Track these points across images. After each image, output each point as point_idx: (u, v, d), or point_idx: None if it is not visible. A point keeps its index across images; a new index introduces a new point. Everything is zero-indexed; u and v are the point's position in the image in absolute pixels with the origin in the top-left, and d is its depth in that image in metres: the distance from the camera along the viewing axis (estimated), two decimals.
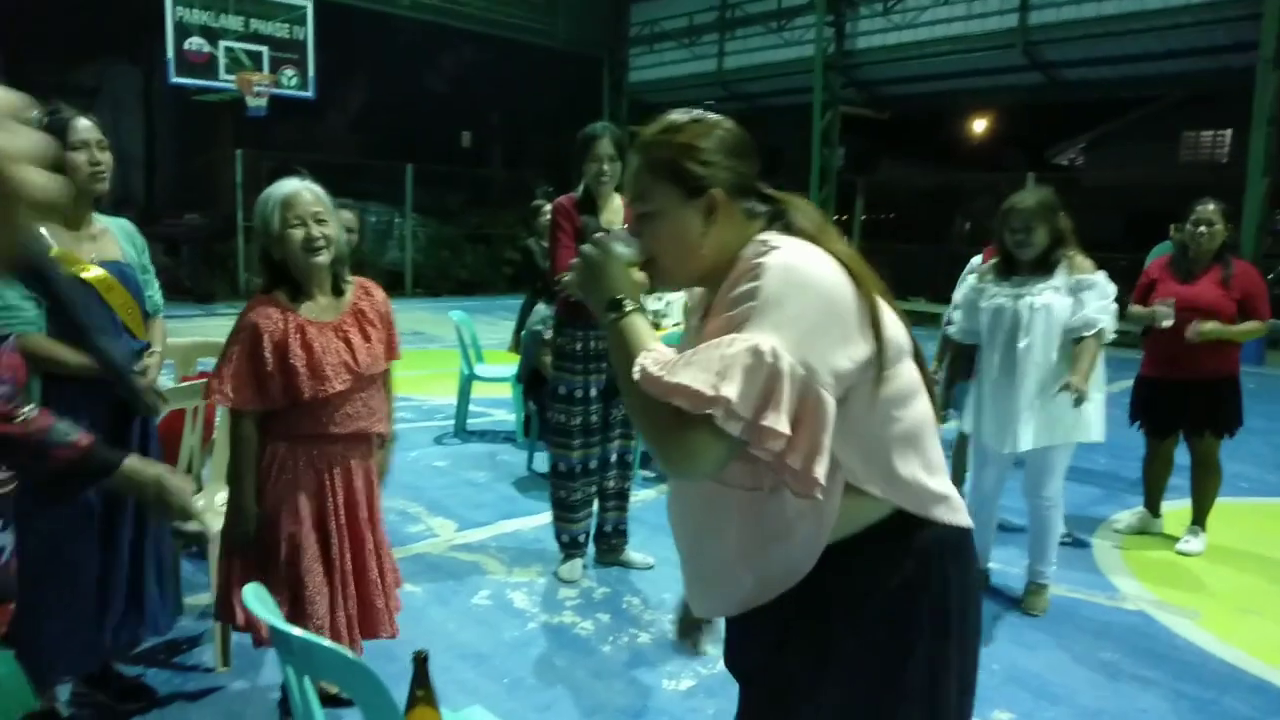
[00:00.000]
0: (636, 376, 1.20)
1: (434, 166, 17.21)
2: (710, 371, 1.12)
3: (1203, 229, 3.96)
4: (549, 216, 3.70)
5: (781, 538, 1.27)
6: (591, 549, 3.82)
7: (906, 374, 1.29)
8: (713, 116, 1.35)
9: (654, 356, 1.21)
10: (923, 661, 1.27)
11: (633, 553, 3.82)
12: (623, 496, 3.79)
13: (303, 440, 2.29)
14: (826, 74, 15.21)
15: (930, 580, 1.28)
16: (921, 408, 1.31)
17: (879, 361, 1.21)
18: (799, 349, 1.14)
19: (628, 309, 1.28)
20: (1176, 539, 4.22)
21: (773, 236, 1.26)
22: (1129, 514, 4.56)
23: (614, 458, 3.70)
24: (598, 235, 1.39)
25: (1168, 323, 3.90)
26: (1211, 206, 3.97)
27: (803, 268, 1.19)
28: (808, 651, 1.30)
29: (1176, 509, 4.39)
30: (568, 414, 3.55)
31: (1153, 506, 4.39)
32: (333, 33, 14.69)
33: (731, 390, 1.10)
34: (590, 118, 4.05)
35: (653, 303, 5.07)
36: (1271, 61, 10.65)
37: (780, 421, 1.12)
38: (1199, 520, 4.19)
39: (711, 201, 1.29)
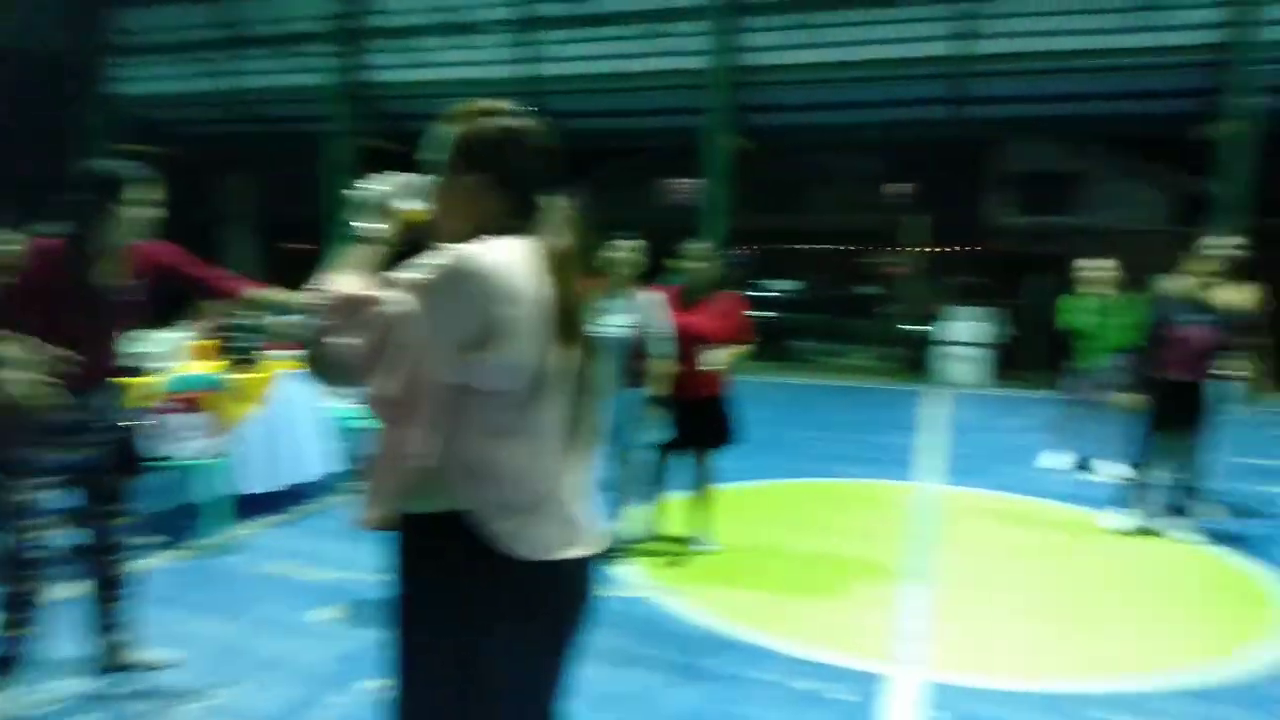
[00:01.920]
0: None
1: None
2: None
3: (700, 264, 4.57)
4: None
5: None
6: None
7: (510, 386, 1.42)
8: (522, 119, 1.56)
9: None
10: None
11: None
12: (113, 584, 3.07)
13: None
14: (340, 103, 15.00)
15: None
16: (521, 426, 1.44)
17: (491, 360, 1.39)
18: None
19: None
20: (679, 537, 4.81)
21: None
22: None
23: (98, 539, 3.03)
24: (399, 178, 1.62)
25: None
26: (701, 247, 4.63)
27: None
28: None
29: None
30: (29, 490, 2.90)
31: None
32: None
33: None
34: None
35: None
36: (717, 125, 13.09)
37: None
38: (707, 525, 4.68)
39: (478, 183, 1.50)
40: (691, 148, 13.73)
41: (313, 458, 5.33)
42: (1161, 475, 5.21)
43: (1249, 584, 4.46)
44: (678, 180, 17.14)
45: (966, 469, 6.94)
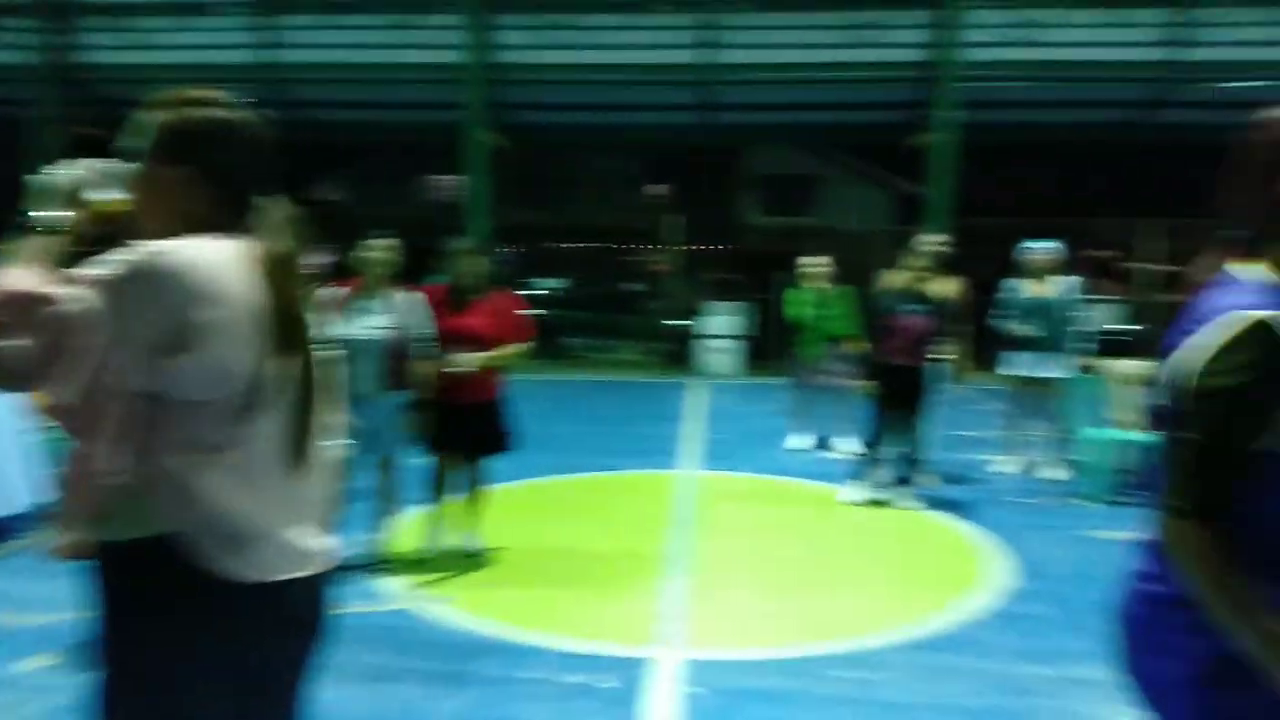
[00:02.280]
0: None
1: None
2: None
3: (467, 262, 4.37)
4: None
5: None
6: None
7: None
8: (237, 112, 1.44)
9: None
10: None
11: None
12: None
13: None
14: (47, 86, 13.33)
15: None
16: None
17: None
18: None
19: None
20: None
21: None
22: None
23: None
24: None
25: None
26: (465, 244, 4.50)
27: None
28: None
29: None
30: None
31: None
32: None
33: None
34: None
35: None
36: (475, 121, 12.94)
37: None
38: (476, 528, 4.59)
39: (180, 176, 1.38)
40: (450, 144, 13.47)
41: (16, 487, 4.68)
42: (888, 450, 5.78)
43: (961, 542, 5.05)
44: (438, 177, 16.77)
45: (724, 455, 7.32)
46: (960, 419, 8.96)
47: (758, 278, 14.74)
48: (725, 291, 15.31)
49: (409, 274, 4.35)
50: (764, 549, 4.88)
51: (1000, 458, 6.93)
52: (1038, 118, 14.55)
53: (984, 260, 8.29)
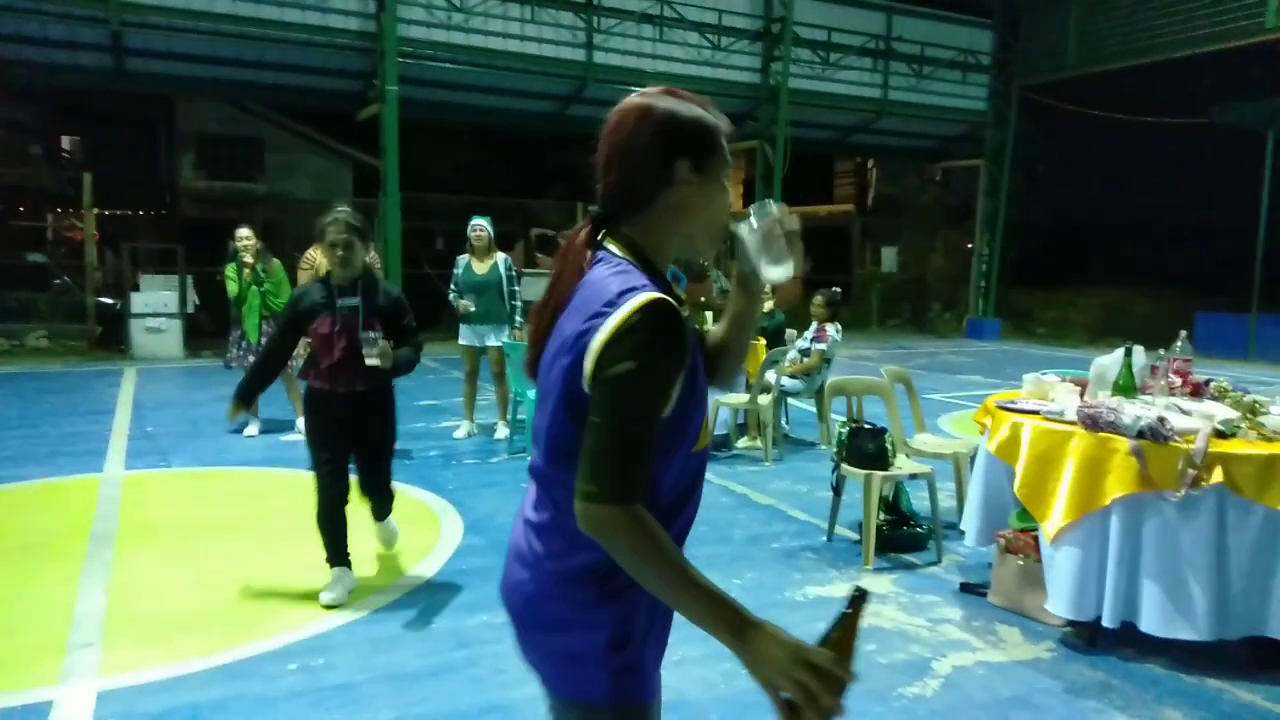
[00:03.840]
0: None
1: None
2: None
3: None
4: None
5: None
6: None
7: None
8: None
9: None
10: None
11: None
12: None
13: None
14: None
15: None
16: None
17: None
18: None
19: None
20: None
21: None
22: None
23: None
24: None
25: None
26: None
27: None
28: None
29: None
30: None
31: None
32: None
33: None
34: None
35: None
36: None
37: None
38: None
39: None
40: None
41: None
42: None
43: (419, 508, 5.17)
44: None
45: (161, 450, 6.53)
46: (421, 389, 9.24)
47: (195, 248, 13.34)
48: (159, 263, 13.59)
49: None
50: (200, 551, 4.42)
51: (459, 422, 7.29)
52: (474, 101, 15.43)
53: (432, 235, 8.59)
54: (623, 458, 1.17)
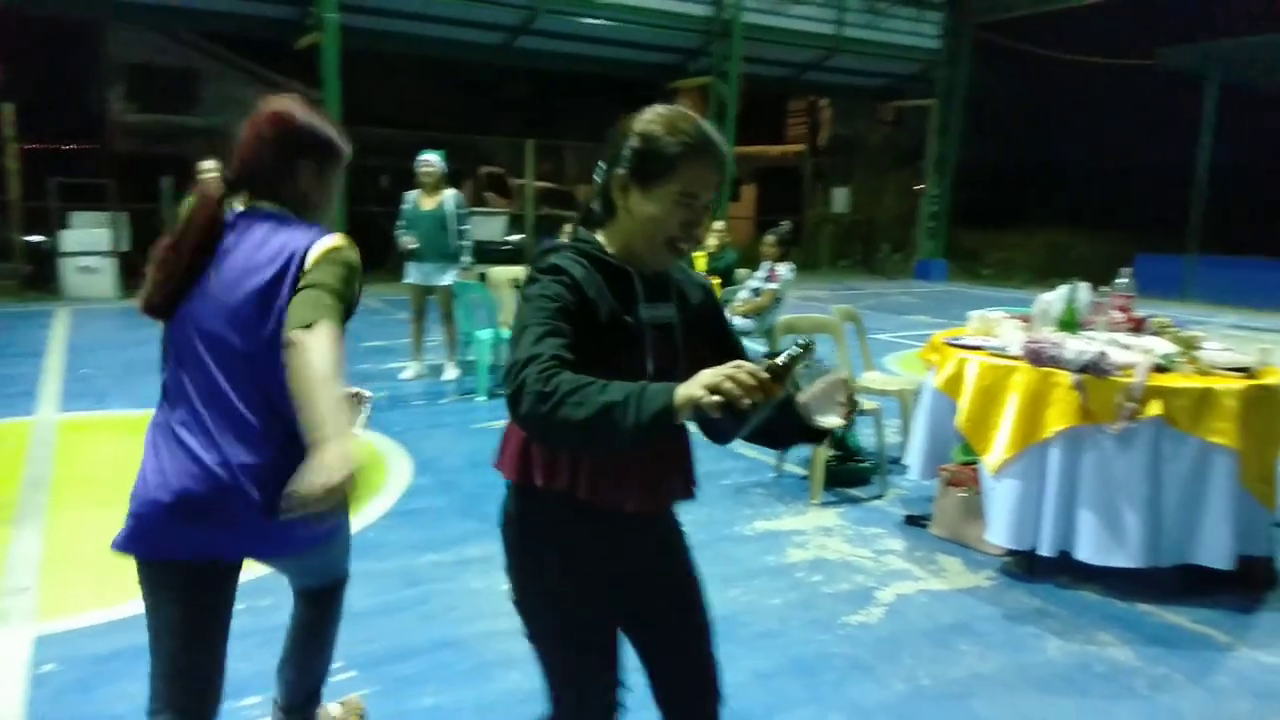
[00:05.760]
0: None
1: None
2: None
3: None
4: None
5: None
6: None
7: None
8: None
9: None
10: None
11: None
12: None
13: None
14: None
15: None
16: None
17: None
18: None
19: None
20: None
21: None
22: None
23: None
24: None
25: None
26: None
27: None
28: None
29: None
30: None
31: None
32: None
33: None
34: None
35: None
36: None
37: None
38: None
39: None
40: None
41: None
42: None
43: (368, 450, 5.11)
44: None
45: (94, 392, 6.33)
46: (369, 329, 9.08)
47: (130, 183, 12.80)
48: (91, 199, 13.02)
49: None
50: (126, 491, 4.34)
51: (406, 364, 7.18)
52: (418, 30, 14.85)
53: (377, 172, 8.34)
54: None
